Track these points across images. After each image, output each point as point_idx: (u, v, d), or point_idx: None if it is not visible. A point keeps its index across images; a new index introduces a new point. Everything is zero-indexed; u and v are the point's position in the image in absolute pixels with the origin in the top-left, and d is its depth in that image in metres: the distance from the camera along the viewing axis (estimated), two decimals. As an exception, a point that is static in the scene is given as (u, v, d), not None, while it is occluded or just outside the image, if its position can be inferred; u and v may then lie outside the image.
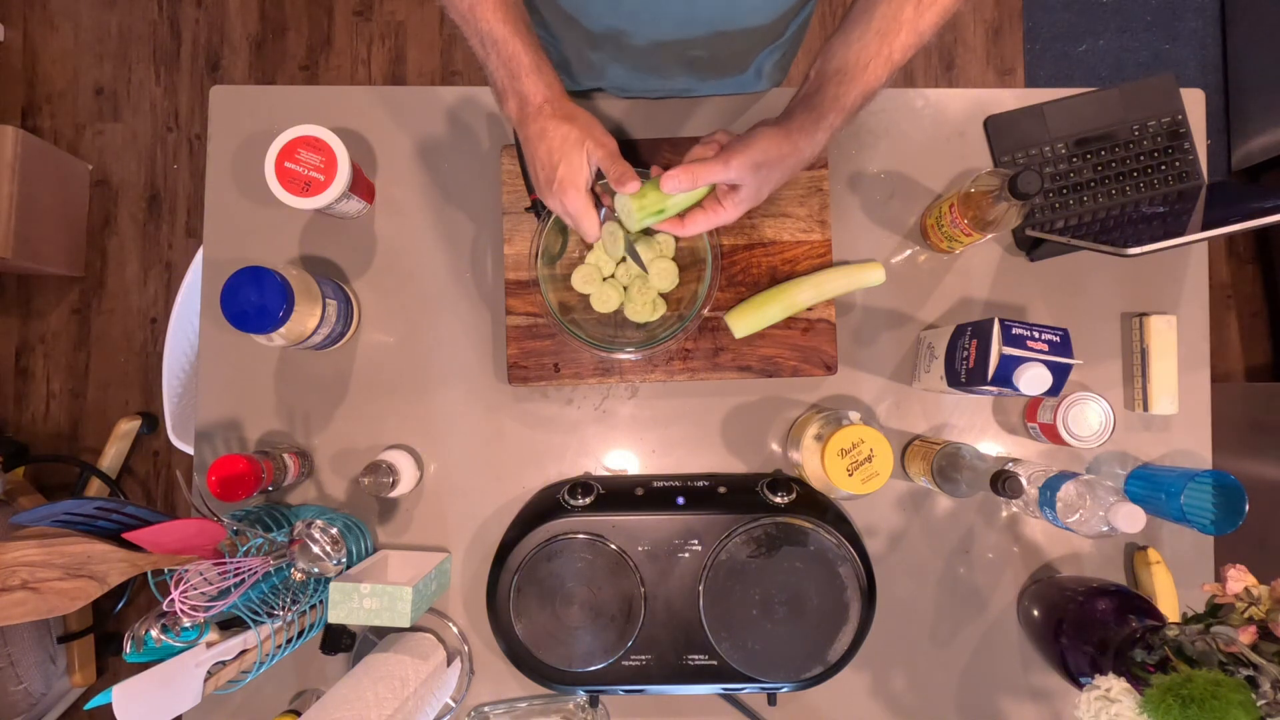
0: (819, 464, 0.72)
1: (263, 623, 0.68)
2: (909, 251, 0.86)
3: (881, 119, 0.87)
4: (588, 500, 0.76)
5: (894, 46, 0.61)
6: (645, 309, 0.78)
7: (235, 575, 0.66)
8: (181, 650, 0.65)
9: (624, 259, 0.78)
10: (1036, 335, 0.68)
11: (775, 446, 0.85)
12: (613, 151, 0.63)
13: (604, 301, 0.78)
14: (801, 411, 0.85)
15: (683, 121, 0.87)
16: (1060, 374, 0.67)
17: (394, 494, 0.78)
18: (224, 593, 0.66)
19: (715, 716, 0.82)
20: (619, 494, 0.78)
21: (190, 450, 0.94)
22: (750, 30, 0.74)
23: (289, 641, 0.71)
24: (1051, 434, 0.80)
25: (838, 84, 0.62)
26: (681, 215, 0.65)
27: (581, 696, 0.79)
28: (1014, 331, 0.68)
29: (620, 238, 0.69)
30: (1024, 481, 0.73)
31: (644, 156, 0.84)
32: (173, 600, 0.63)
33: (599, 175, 0.65)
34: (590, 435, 0.85)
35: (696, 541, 0.75)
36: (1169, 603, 0.79)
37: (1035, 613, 0.79)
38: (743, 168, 0.60)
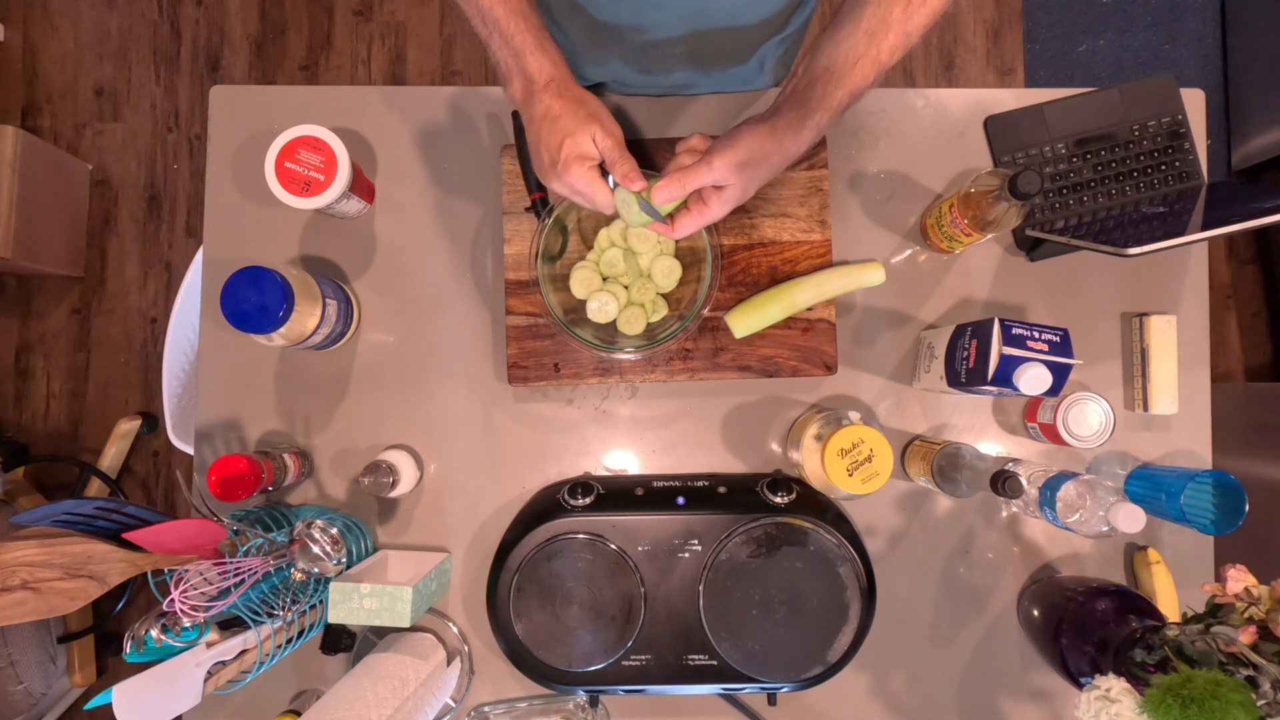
0: (819, 464, 0.72)
1: (263, 623, 0.68)
2: (909, 251, 0.86)
3: (881, 119, 0.87)
4: (588, 500, 0.76)
5: (882, 47, 0.60)
6: (645, 314, 0.79)
7: (235, 575, 0.66)
8: (181, 650, 0.65)
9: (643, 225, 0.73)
10: (1036, 335, 0.68)
11: (775, 446, 0.85)
12: (619, 142, 0.62)
13: (607, 309, 0.78)
14: (801, 411, 0.85)
15: (683, 120, 0.87)
16: (1060, 374, 0.66)
17: (394, 494, 0.78)
18: (224, 593, 0.66)
19: (715, 716, 0.82)
20: (619, 494, 0.78)
21: (190, 450, 0.94)
22: (755, 23, 0.74)
23: (289, 641, 0.71)
24: (1051, 434, 0.80)
25: (825, 83, 0.61)
26: (671, 216, 0.65)
27: (581, 696, 0.79)
28: (1014, 331, 0.68)
29: (633, 201, 0.64)
30: (1024, 481, 0.73)
31: (647, 156, 0.83)
32: (173, 600, 0.63)
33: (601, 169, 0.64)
34: (590, 435, 0.85)
35: (696, 541, 0.75)
36: (1169, 603, 0.79)
37: (1035, 613, 0.79)
38: (727, 168, 0.60)
